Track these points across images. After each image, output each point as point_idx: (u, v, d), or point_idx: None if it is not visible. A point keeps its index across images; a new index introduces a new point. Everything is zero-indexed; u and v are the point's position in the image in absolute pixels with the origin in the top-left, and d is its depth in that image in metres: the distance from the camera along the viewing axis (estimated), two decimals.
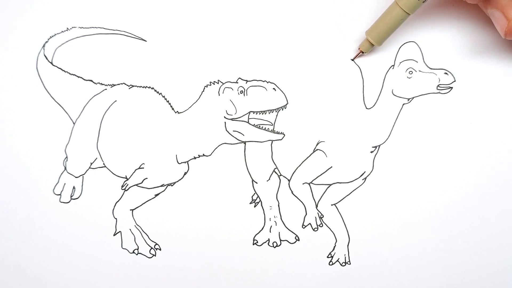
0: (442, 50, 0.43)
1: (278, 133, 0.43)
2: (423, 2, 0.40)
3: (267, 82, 0.43)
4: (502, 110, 0.43)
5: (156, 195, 0.43)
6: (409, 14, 0.40)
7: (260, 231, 0.43)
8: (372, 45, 0.42)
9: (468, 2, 0.38)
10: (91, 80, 0.43)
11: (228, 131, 0.42)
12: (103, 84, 0.43)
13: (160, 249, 0.43)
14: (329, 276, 0.42)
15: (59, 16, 0.44)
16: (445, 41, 0.44)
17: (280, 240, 0.43)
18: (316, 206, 0.43)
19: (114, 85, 0.43)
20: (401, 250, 0.42)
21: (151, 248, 0.42)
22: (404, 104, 0.43)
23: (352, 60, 0.43)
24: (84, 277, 0.42)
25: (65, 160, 0.43)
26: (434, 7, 0.44)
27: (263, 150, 0.43)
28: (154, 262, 0.42)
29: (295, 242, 0.43)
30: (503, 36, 0.39)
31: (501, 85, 0.43)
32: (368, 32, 0.42)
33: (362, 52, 0.43)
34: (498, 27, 0.39)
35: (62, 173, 0.43)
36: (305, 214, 0.43)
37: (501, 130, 0.43)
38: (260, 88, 0.42)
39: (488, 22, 0.43)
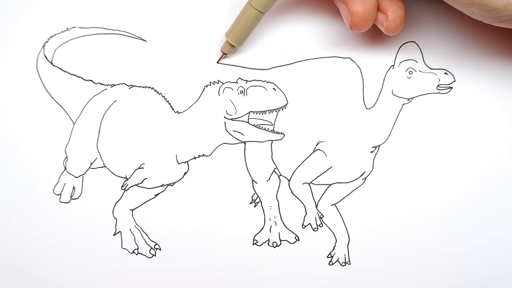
0: (442, 50, 0.43)
1: (278, 133, 0.43)
2: (275, 0, 0.40)
3: (267, 82, 0.43)
4: (502, 110, 0.43)
5: (156, 195, 0.43)
6: (263, 13, 0.41)
7: (260, 231, 0.43)
8: (234, 46, 0.42)
9: None
10: (91, 80, 0.43)
11: (228, 131, 0.42)
12: (103, 84, 0.43)
13: (160, 249, 0.43)
14: (329, 276, 0.42)
15: (59, 16, 0.44)
16: (445, 41, 0.44)
17: (280, 240, 0.43)
18: (316, 206, 0.43)
19: (114, 85, 0.43)
20: (401, 250, 0.42)
21: (151, 248, 0.42)
22: (404, 104, 0.43)
23: (217, 62, 0.43)
24: (84, 277, 0.42)
25: (65, 160, 0.43)
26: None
27: (263, 150, 0.43)
28: (154, 262, 0.42)
29: (295, 242, 0.43)
30: (349, 29, 0.40)
31: (501, 85, 0.43)
32: (227, 34, 0.42)
33: (225, 54, 0.43)
34: (344, 20, 0.40)
35: (62, 173, 0.43)
36: (305, 214, 0.43)
37: (501, 130, 0.43)
38: (260, 88, 0.42)
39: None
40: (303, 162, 0.43)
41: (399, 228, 0.42)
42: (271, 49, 0.44)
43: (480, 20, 0.38)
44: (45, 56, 0.44)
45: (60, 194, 0.43)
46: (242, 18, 0.41)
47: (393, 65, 0.43)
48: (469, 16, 0.39)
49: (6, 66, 0.43)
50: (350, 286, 0.42)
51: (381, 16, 0.40)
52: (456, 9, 0.38)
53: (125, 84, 0.43)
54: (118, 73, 0.44)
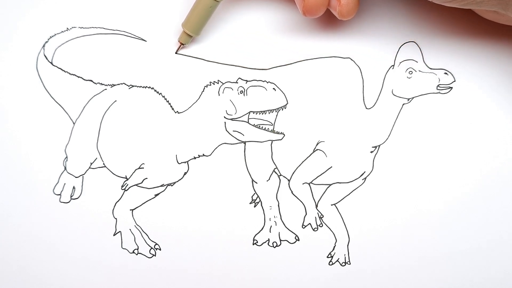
0: (442, 50, 0.43)
1: (278, 133, 0.43)
2: None
3: (267, 82, 0.43)
4: (502, 110, 0.43)
5: (156, 195, 0.43)
6: (218, 1, 0.41)
7: (260, 231, 0.43)
8: (191, 36, 0.43)
9: None
10: (91, 80, 0.43)
11: (228, 131, 0.42)
12: (103, 84, 0.43)
13: (160, 249, 0.43)
14: (329, 276, 0.42)
15: (59, 16, 0.44)
16: (445, 41, 0.44)
17: (280, 240, 0.43)
18: (316, 206, 0.43)
19: (114, 85, 0.43)
20: (401, 250, 0.42)
21: (151, 248, 0.42)
22: (404, 104, 0.43)
23: (176, 53, 0.43)
24: (84, 277, 0.42)
25: (65, 160, 0.43)
26: None
27: (263, 150, 0.43)
28: (154, 262, 0.42)
29: (295, 242, 0.43)
30: (302, 15, 0.40)
31: (501, 85, 0.43)
32: (183, 24, 0.43)
33: (183, 44, 0.43)
34: (298, 6, 0.40)
35: (62, 173, 0.43)
36: (305, 214, 0.43)
37: (501, 130, 0.43)
38: (260, 88, 0.42)
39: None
40: (303, 162, 0.43)
41: (399, 228, 0.42)
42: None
43: (430, 0, 0.38)
44: (45, 56, 0.44)
45: (60, 194, 0.43)
46: (197, 7, 0.42)
47: (393, 65, 0.43)
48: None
49: (6, 66, 0.43)
50: (350, 286, 0.42)
51: (333, 1, 0.40)
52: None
53: (125, 84, 0.43)
54: (118, 73, 0.44)
